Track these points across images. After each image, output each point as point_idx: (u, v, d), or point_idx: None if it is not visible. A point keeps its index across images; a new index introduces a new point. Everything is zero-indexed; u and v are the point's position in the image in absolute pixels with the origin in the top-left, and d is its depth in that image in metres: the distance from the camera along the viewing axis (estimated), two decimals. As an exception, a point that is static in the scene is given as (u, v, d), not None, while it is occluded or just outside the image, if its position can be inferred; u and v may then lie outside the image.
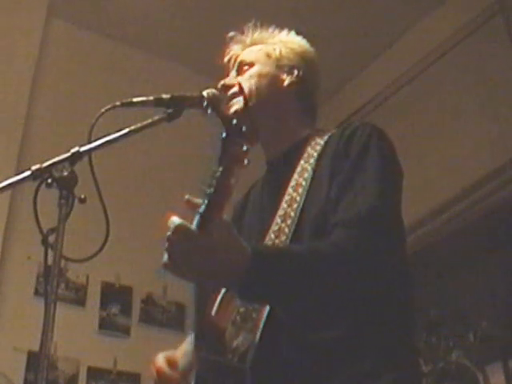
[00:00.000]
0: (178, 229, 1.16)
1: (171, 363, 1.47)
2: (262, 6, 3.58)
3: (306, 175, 1.48)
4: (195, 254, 1.15)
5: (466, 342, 3.09)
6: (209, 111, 1.42)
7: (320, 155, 1.50)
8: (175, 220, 1.17)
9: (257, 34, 1.73)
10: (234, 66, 1.71)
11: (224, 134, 1.13)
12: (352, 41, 4.08)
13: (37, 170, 1.26)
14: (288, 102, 1.64)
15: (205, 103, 1.40)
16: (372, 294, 1.30)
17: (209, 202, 1.15)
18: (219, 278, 1.21)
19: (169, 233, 1.17)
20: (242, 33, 1.74)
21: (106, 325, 3.42)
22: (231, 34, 1.74)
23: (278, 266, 1.22)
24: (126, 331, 3.43)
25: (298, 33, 1.74)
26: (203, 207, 1.15)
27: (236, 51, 1.73)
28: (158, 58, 4.18)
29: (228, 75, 1.71)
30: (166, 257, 1.19)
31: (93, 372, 3.25)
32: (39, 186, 1.25)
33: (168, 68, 4.16)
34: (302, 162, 1.51)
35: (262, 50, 1.68)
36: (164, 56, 4.18)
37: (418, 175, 3.70)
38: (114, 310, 3.48)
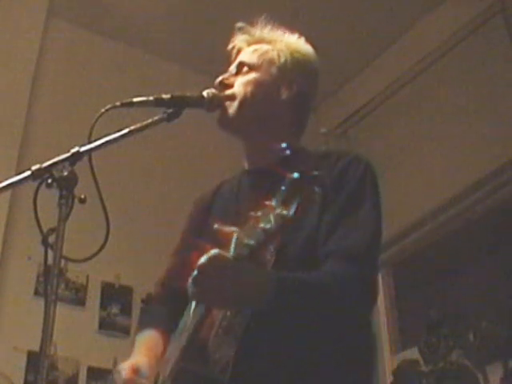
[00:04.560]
0: (218, 259, 1.20)
1: (136, 371, 1.45)
2: (262, 5, 3.57)
3: (295, 175, 1.48)
4: (235, 285, 1.21)
5: (466, 342, 3.09)
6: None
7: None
8: (213, 251, 1.21)
9: (266, 32, 1.69)
10: (235, 59, 1.69)
11: (296, 175, 1.12)
12: (352, 41, 4.08)
13: (37, 170, 1.26)
14: (280, 116, 1.62)
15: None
16: (355, 324, 1.39)
17: (266, 236, 1.14)
18: (245, 305, 1.29)
19: (204, 261, 1.20)
20: (252, 25, 1.70)
21: (105, 325, 3.42)
22: (240, 24, 1.70)
23: (296, 296, 1.29)
24: (126, 331, 3.42)
25: (299, 33, 1.71)
26: (256, 240, 1.16)
27: (240, 43, 1.70)
28: (158, 57, 4.17)
29: (229, 63, 1.69)
30: (195, 286, 1.22)
31: (93, 372, 3.24)
32: (39, 186, 1.25)
33: (168, 68, 4.16)
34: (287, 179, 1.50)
35: (267, 55, 1.64)
36: (164, 56, 4.18)
37: (418, 175, 3.71)
38: (114, 310, 3.47)
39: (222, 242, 1.23)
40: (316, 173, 1.12)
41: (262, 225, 1.13)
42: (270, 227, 1.12)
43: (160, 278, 1.75)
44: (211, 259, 1.20)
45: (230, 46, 1.71)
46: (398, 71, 4.02)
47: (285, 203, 1.11)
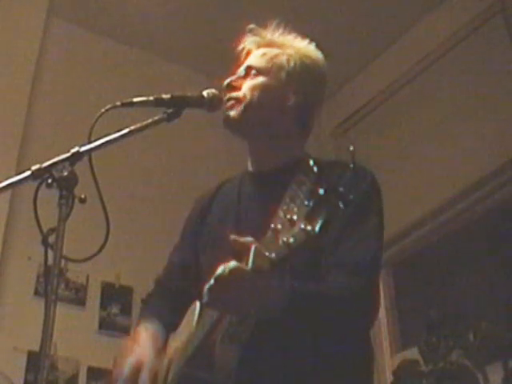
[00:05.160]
0: (236, 271, 1.19)
1: (138, 367, 1.45)
2: (262, 5, 3.58)
3: (298, 202, 1.48)
4: (252, 297, 1.23)
5: (466, 342, 3.09)
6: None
7: (314, 185, 1.50)
8: (232, 263, 1.21)
9: (276, 35, 1.68)
10: (244, 61, 1.68)
11: (322, 191, 1.10)
12: (352, 41, 4.07)
13: (37, 170, 1.26)
14: (286, 122, 1.62)
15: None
16: (359, 335, 1.43)
17: (289, 251, 1.13)
18: (259, 315, 1.28)
19: (222, 272, 1.20)
20: (263, 27, 1.69)
21: (106, 325, 3.42)
22: (251, 26, 1.69)
23: (307, 307, 1.31)
24: (125, 331, 3.42)
25: (299, 33, 1.70)
26: (277, 254, 1.14)
27: (250, 45, 1.69)
28: (158, 58, 4.17)
29: (233, 64, 1.68)
30: (210, 295, 1.23)
31: (93, 372, 3.24)
32: (39, 186, 1.25)
33: (168, 68, 4.16)
34: (293, 186, 1.50)
35: (276, 59, 1.63)
36: (164, 56, 4.18)
37: (418, 175, 3.71)
38: (114, 310, 3.48)
39: (234, 250, 1.23)
40: (341, 189, 1.10)
41: (284, 238, 1.11)
42: (293, 242, 1.10)
43: (158, 276, 1.75)
44: (230, 271, 1.20)
45: (239, 47, 1.70)
46: (398, 71, 4.02)
47: (309, 219, 1.09)
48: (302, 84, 1.62)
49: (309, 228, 1.08)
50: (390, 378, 3.43)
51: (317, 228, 1.08)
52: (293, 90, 1.61)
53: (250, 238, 1.20)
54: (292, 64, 1.62)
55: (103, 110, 1.38)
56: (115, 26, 4.01)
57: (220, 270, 1.21)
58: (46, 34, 3.85)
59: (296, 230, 1.09)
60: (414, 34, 4.00)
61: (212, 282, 1.22)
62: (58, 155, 1.30)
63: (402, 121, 3.99)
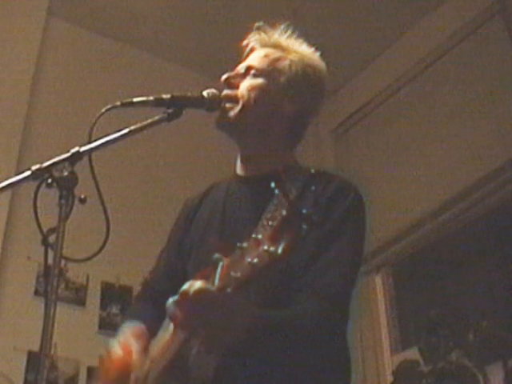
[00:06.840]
0: (201, 292, 1.15)
1: (128, 350, 1.46)
2: (263, 5, 3.58)
3: (283, 212, 1.47)
4: (215, 321, 1.18)
5: (466, 342, 3.09)
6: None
7: (298, 196, 1.48)
8: (197, 283, 1.17)
9: (283, 38, 1.66)
10: (247, 57, 1.66)
11: (284, 212, 1.08)
12: (352, 41, 4.08)
13: (37, 169, 1.27)
14: (279, 127, 1.60)
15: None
16: (327, 360, 1.40)
17: (252, 271, 1.10)
18: (223, 340, 1.24)
19: (187, 292, 1.17)
20: (272, 27, 1.67)
21: (106, 325, 3.42)
22: (259, 23, 1.67)
23: (272, 336, 1.29)
24: (125, 331, 3.42)
25: (299, 33, 1.70)
26: (241, 273, 1.12)
27: (254, 42, 1.67)
28: (159, 58, 4.17)
29: (231, 63, 1.67)
30: (181, 315, 1.19)
31: (93, 372, 3.24)
32: (39, 185, 1.25)
33: (168, 68, 4.16)
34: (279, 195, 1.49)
35: (278, 63, 1.62)
36: (164, 56, 4.18)
37: (418, 175, 3.71)
38: (114, 310, 3.47)
39: (207, 262, 1.21)
40: (304, 211, 1.08)
41: (248, 259, 1.10)
42: (256, 262, 1.09)
43: (145, 279, 1.74)
44: (194, 292, 1.15)
45: (244, 43, 1.69)
46: (398, 71, 4.02)
47: (272, 239, 1.07)
48: (301, 92, 1.60)
49: (272, 249, 1.07)
50: (390, 378, 3.44)
51: (279, 249, 1.06)
52: (290, 97, 1.59)
53: (218, 256, 1.17)
54: (294, 70, 1.61)
55: (103, 110, 1.39)
56: (115, 26, 4.01)
57: (185, 286, 1.17)
58: (46, 34, 3.85)
59: (260, 250, 1.08)
60: (413, 34, 4.00)
61: (176, 297, 1.19)
62: (58, 155, 1.30)
63: (402, 121, 3.99)
